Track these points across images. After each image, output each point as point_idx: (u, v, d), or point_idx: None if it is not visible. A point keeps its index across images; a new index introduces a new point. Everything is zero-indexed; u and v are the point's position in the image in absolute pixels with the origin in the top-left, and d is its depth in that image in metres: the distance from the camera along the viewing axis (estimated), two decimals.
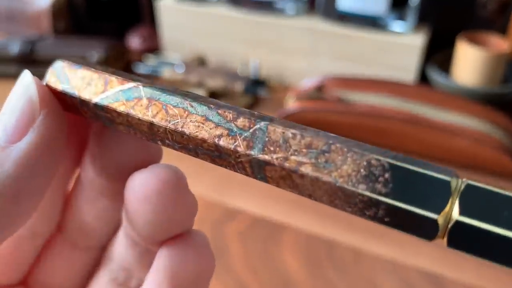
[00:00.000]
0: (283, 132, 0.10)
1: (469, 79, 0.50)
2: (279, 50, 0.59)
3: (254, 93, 0.55)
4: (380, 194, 0.10)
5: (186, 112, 0.11)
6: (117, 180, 0.14)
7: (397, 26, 0.52)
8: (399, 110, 0.45)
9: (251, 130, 0.11)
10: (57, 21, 0.69)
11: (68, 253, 0.15)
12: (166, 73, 0.57)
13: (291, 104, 0.49)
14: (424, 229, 0.10)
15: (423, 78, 0.54)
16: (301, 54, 0.58)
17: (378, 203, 0.10)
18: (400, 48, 0.52)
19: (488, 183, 0.09)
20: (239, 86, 0.54)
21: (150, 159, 0.14)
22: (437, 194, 0.09)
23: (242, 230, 0.38)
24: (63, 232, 0.16)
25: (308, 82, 0.50)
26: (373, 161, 0.10)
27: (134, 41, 0.69)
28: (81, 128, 0.15)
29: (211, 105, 0.11)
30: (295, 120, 0.47)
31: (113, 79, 0.12)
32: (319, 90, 0.48)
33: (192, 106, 0.11)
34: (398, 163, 0.09)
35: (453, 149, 0.43)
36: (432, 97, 0.45)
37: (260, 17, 0.58)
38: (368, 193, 0.10)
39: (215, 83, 0.55)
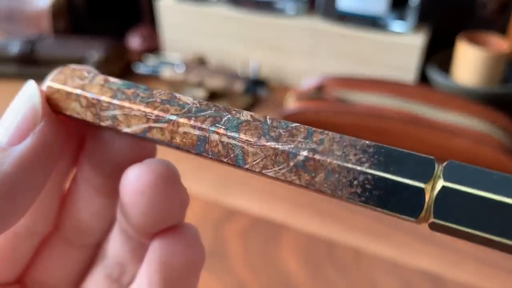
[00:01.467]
0: (261, 172, 0.11)
1: (469, 79, 0.50)
2: (279, 50, 0.59)
3: (254, 93, 0.55)
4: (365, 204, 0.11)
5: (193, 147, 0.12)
6: (113, 177, 0.14)
7: (397, 26, 0.52)
8: (399, 110, 0.45)
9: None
10: (57, 21, 0.68)
11: (64, 251, 0.16)
12: (166, 73, 0.57)
13: (291, 104, 0.48)
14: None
15: (423, 78, 0.54)
16: (301, 54, 0.58)
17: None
18: (400, 48, 0.52)
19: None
20: (239, 86, 0.54)
21: (145, 155, 0.14)
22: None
23: (242, 230, 0.38)
24: (59, 231, 0.16)
25: (308, 82, 0.50)
26: (348, 196, 0.10)
27: (134, 41, 0.69)
28: (78, 128, 0.15)
29: (192, 151, 0.12)
30: (295, 120, 0.47)
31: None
32: (319, 90, 0.48)
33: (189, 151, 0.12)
34: (369, 205, 0.10)
35: (453, 149, 0.43)
36: (432, 97, 0.45)
37: (260, 17, 0.58)
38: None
39: (215, 83, 0.55)
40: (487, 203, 0.09)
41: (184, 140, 0.12)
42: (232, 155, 0.11)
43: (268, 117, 0.12)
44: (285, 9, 0.58)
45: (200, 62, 0.60)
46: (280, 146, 0.11)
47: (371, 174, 0.10)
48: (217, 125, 0.12)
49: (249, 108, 0.55)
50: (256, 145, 0.11)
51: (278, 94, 0.57)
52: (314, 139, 0.11)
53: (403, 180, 0.10)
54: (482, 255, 0.36)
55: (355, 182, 0.10)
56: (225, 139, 0.11)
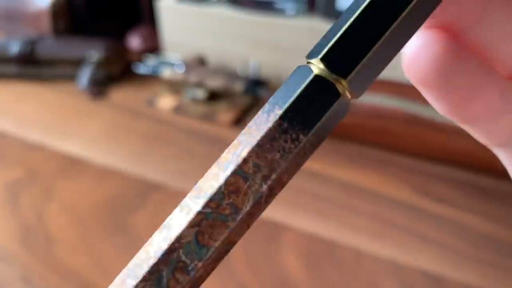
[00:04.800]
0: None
1: None
2: (279, 50, 0.59)
3: (254, 93, 0.55)
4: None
5: None
6: None
7: None
8: (399, 110, 0.44)
9: None
10: (57, 21, 0.68)
11: None
12: (166, 73, 0.57)
13: None
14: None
15: None
16: (301, 54, 0.58)
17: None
18: None
19: None
20: (239, 86, 0.54)
21: None
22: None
23: None
24: None
25: None
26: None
27: (134, 41, 0.69)
28: None
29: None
30: None
31: None
32: None
33: None
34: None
35: (453, 149, 0.43)
36: None
37: (260, 17, 0.58)
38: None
39: (215, 83, 0.55)
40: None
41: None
42: None
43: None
44: (285, 9, 0.58)
45: (200, 62, 0.60)
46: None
47: (281, 116, 0.10)
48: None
49: (249, 108, 0.55)
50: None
51: None
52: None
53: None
54: (481, 255, 0.36)
55: (284, 133, 0.10)
56: None
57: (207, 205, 0.09)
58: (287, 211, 0.40)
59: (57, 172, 0.45)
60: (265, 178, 0.10)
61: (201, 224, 0.09)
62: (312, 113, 0.10)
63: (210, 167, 0.11)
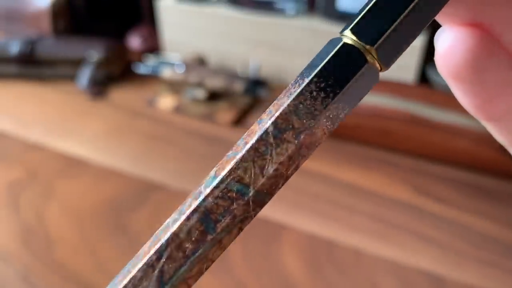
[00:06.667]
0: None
1: None
2: (279, 50, 0.59)
3: (254, 93, 0.55)
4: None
5: None
6: None
7: None
8: (400, 110, 0.44)
9: None
10: (57, 21, 0.69)
11: None
12: (166, 73, 0.57)
13: None
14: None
15: (423, 78, 0.54)
16: (301, 54, 0.58)
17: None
18: None
19: None
20: (239, 86, 0.54)
21: None
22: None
23: (242, 230, 0.38)
24: None
25: None
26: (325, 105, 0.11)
27: (134, 41, 0.69)
28: None
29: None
30: None
31: None
32: None
33: None
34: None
35: (453, 149, 0.43)
36: (432, 97, 0.45)
37: (260, 17, 0.58)
38: None
39: (215, 83, 0.55)
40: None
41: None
42: None
43: None
44: (285, 9, 0.58)
45: (200, 62, 0.60)
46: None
47: (311, 79, 0.10)
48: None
49: (249, 108, 0.55)
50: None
51: (278, 94, 0.57)
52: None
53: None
54: (482, 255, 0.36)
55: (314, 93, 0.11)
56: None
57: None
58: (287, 211, 0.40)
59: (57, 172, 0.45)
60: (297, 134, 0.11)
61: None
62: (339, 77, 0.11)
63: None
